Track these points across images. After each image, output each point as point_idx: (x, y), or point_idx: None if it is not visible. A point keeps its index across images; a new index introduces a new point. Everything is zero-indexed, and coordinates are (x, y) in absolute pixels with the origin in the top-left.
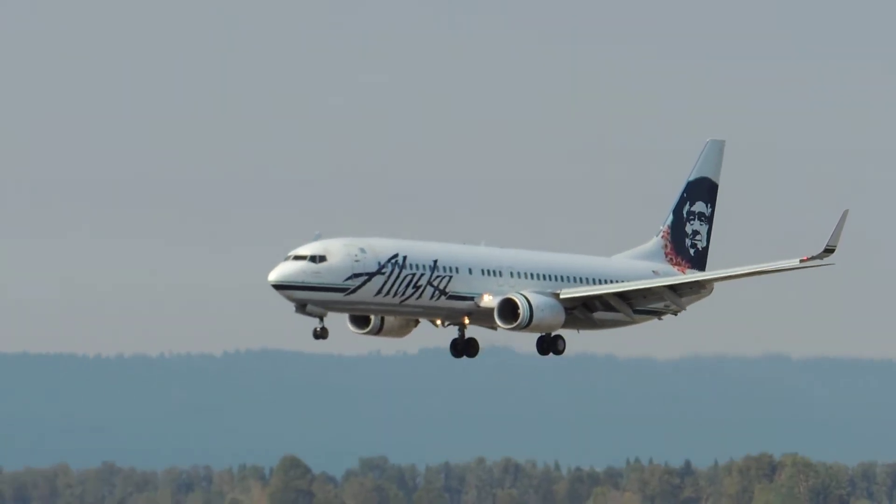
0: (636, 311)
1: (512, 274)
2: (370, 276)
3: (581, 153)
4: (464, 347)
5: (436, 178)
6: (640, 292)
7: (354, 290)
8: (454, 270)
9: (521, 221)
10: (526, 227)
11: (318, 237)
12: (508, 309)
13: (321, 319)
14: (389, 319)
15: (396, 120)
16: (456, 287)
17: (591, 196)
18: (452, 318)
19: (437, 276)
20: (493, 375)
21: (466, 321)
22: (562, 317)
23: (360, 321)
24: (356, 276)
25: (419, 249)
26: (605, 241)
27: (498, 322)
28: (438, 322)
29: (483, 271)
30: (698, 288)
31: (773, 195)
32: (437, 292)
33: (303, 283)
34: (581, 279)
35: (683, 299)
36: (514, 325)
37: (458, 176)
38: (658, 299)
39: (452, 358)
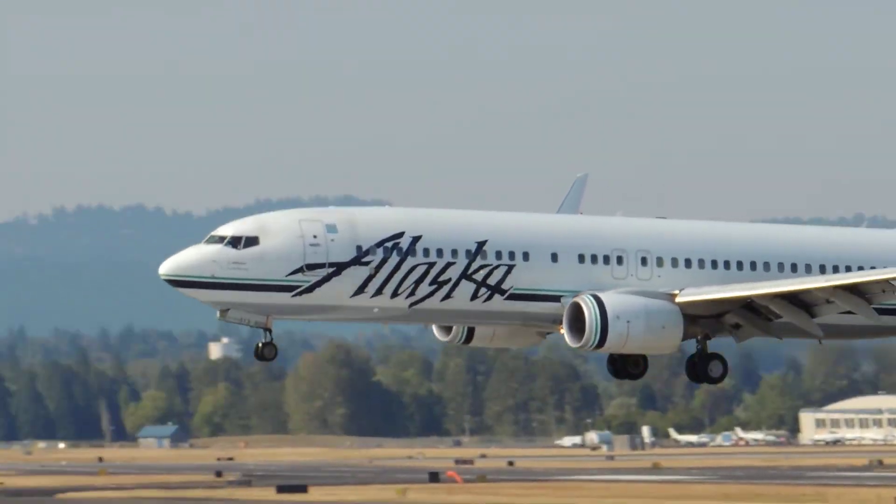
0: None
1: (645, 260)
2: (340, 267)
3: None
4: (622, 363)
5: None
6: (799, 295)
7: (309, 289)
8: (520, 256)
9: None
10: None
11: (581, 180)
12: (577, 320)
13: (266, 332)
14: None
15: None
16: (524, 281)
17: None
18: (532, 326)
19: (485, 266)
20: None
21: (562, 331)
22: (675, 332)
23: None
24: (312, 267)
25: (449, 223)
26: None
27: (567, 339)
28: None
29: (582, 257)
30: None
31: None
32: (485, 290)
33: (211, 277)
34: (804, 267)
35: None
36: (581, 343)
37: None
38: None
39: None
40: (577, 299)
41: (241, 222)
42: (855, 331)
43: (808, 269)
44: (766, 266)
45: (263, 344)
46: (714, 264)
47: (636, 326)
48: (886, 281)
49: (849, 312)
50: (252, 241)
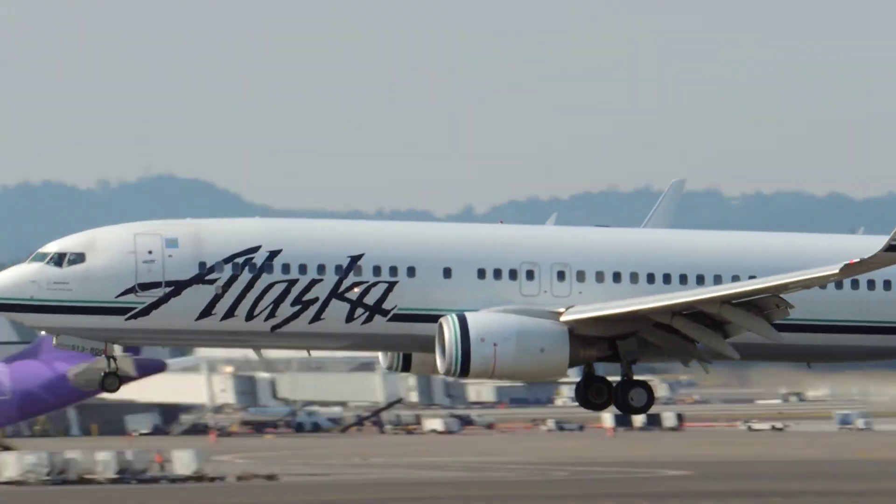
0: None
1: (563, 274)
2: (179, 286)
3: None
4: (584, 391)
5: None
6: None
7: (145, 312)
8: (404, 271)
9: None
10: None
11: (677, 184)
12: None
13: (109, 360)
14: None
15: None
16: (409, 300)
17: None
18: (430, 352)
19: (361, 283)
20: None
21: None
22: (558, 355)
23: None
24: (146, 287)
25: (315, 236)
26: None
27: (438, 363)
28: None
29: (482, 272)
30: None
31: None
32: (362, 310)
33: (31, 300)
34: (732, 278)
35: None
36: (444, 369)
37: None
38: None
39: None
40: (442, 319)
41: (70, 237)
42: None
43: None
44: (718, 279)
45: (106, 373)
46: (651, 278)
47: (505, 350)
48: (774, 294)
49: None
50: (77, 258)
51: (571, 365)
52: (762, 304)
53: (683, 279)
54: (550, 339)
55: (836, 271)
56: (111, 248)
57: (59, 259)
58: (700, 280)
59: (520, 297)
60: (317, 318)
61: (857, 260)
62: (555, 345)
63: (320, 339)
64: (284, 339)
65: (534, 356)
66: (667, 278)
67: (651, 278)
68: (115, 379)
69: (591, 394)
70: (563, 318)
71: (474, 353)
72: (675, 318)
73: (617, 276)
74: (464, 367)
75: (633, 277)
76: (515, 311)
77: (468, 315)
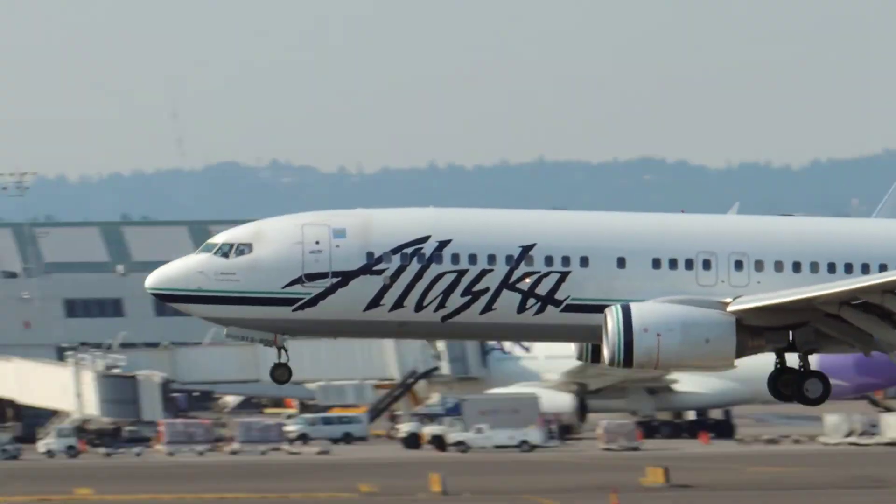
0: None
1: (741, 264)
2: (346, 276)
3: None
4: (775, 382)
5: None
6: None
7: (312, 302)
8: (577, 262)
9: None
10: None
11: None
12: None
13: (280, 351)
14: None
15: None
16: (583, 290)
17: None
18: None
19: (533, 273)
20: None
21: None
22: (724, 346)
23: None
24: (312, 277)
25: (486, 226)
26: None
27: (604, 354)
28: None
29: (657, 261)
30: None
31: None
32: (534, 301)
33: (198, 290)
34: None
35: None
36: (608, 360)
37: None
38: None
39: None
40: (606, 310)
41: (237, 228)
42: None
43: None
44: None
45: (276, 365)
46: (832, 268)
47: (669, 340)
48: None
49: None
50: (244, 248)
51: (739, 356)
52: None
53: (865, 268)
54: (716, 329)
55: None
56: (278, 238)
57: (226, 250)
58: (884, 269)
59: (696, 287)
60: (488, 308)
61: None
62: (721, 335)
63: (492, 330)
64: (455, 330)
65: (699, 347)
66: (848, 268)
67: (832, 268)
68: (286, 370)
69: (781, 385)
70: (729, 308)
71: (637, 344)
72: (843, 308)
73: (797, 266)
74: (627, 358)
75: (814, 267)
76: (680, 302)
77: (632, 305)
